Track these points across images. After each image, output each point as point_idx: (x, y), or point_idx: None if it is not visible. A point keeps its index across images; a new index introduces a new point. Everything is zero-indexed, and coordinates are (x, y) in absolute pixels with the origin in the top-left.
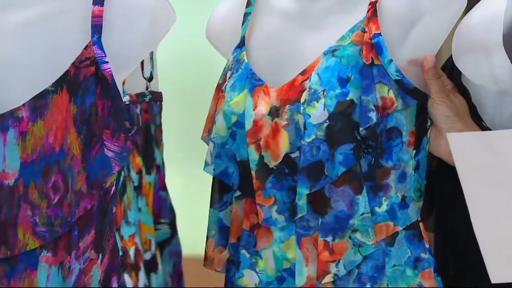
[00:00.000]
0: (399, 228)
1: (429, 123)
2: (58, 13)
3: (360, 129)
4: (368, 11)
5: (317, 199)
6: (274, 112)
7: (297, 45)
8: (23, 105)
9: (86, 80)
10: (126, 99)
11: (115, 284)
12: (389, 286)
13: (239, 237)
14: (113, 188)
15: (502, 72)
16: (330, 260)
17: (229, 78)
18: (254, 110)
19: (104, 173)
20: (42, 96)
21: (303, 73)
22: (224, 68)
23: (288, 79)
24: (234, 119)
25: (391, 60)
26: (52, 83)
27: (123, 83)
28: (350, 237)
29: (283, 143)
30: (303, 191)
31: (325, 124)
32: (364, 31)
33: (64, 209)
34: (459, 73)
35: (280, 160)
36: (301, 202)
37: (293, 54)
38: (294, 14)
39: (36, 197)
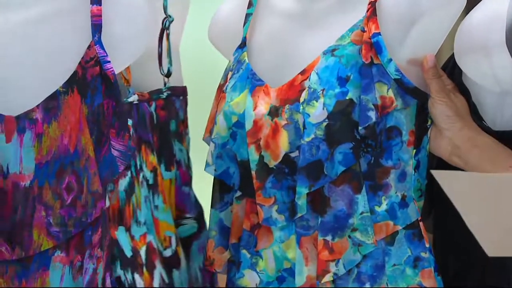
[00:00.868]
0: (399, 228)
1: (429, 123)
2: (58, 13)
3: (360, 128)
4: (367, 11)
5: (317, 198)
6: (273, 112)
7: (298, 45)
8: (37, 106)
9: (93, 80)
10: (134, 98)
11: (108, 280)
12: (389, 286)
13: (240, 237)
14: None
15: (504, 72)
16: (330, 259)
17: (230, 78)
18: (254, 110)
19: (112, 172)
20: (54, 97)
21: (302, 72)
22: (226, 68)
23: (288, 79)
24: (234, 119)
25: (391, 59)
26: (63, 84)
27: (128, 82)
28: (349, 237)
29: (283, 142)
30: (302, 191)
31: (325, 124)
32: (363, 31)
33: (77, 210)
34: (460, 72)
35: (280, 159)
36: (301, 201)
37: (294, 54)
38: (294, 14)
39: (50, 198)
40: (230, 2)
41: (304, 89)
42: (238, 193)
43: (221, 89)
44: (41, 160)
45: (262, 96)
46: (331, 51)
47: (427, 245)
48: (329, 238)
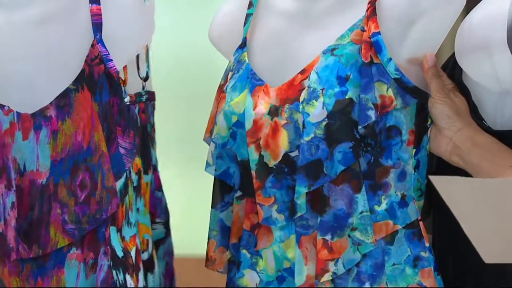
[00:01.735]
0: (399, 227)
1: (429, 122)
2: (59, 12)
3: (359, 127)
4: (367, 10)
5: (316, 197)
6: (273, 112)
7: (298, 45)
8: (51, 103)
9: (100, 78)
10: (127, 99)
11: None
12: (389, 285)
13: (240, 237)
14: None
15: (504, 72)
16: (329, 258)
17: (230, 78)
18: (254, 110)
19: (119, 169)
20: (65, 95)
21: (302, 72)
22: (226, 69)
23: (288, 78)
24: (234, 119)
25: (390, 59)
26: (73, 82)
27: (125, 83)
28: (349, 236)
29: (283, 142)
30: (301, 190)
31: (324, 123)
32: (363, 30)
33: (91, 207)
34: (460, 72)
35: (279, 159)
36: (300, 200)
37: (294, 54)
38: (294, 14)
39: (65, 195)
40: (230, 3)
41: (304, 88)
42: (239, 193)
43: (221, 89)
44: (56, 157)
45: (262, 95)
46: (330, 50)
47: (427, 245)
48: (328, 237)
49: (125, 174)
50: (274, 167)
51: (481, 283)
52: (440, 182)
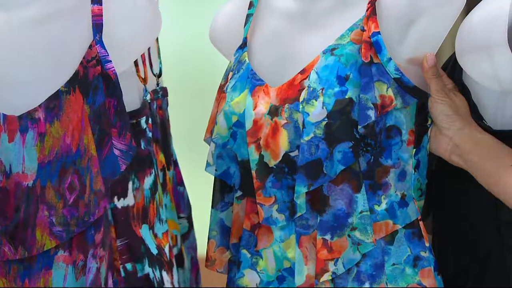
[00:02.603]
0: (399, 227)
1: (429, 122)
2: (59, 13)
3: (359, 127)
4: (367, 10)
5: (316, 197)
6: (273, 111)
7: (298, 44)
8: (39, 106)
9: (95, 79)
10: (148, 96)
11: (110, 280)
12: (388, 285)
13: (241, 237)
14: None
15: (505, 72)
16: (329, 258)
17: (230, 78)
18: (254, 109)
19: (114, 171)
20: (56, 97)
21: (302, 72)
22: (226, 69)
23: (288, 78)
24: (234, 119)
25: (390, 59)
26: (65, 84)
27: (145, 81)
28: (349, 236)
29: (283, 142)
30: (301, 189)
31: (324, 123)
32: (363, 30)
33: (80, 209)
34: (460, 71)
35: (279, 159)
36: (300, 200)
37: (294, 53)
38: (295, 14)
39: (53, 197)
40: (231, 3)
41: (304, 88)
42: (239, 193)
43: (221, 89)
44: (44, 160)
45: (262, 95)
46: (330, 50)
47: (427, 244)
48: (328, 237)
49: (153, 172)
50: (274, 167)
51: (481, 283)
52: None
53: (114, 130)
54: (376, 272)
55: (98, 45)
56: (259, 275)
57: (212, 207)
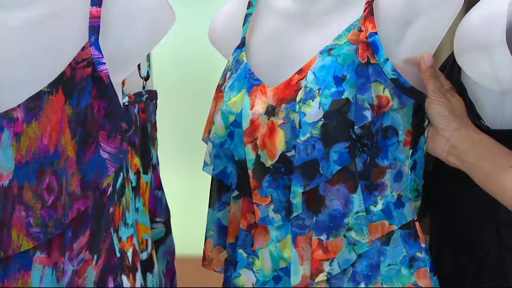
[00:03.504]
0: (395, 227)
1: (426, 123)
2: (55, 14)
3: (355, 127)
4: (364, 10)
5: (312, 197)
6: (270, 111)
7: (296, 45)
8: (18, 106)
9: (83, 81)
10: (125, 100)
11: (111, 285)
12: (384, 285)
13: (237, 236)
14: (110, 188)
15: (504, 72)
16: (324, 258)
17: (228, 78)
18: (251, 109)
19: (99, 174)
20: (37, 97)
21: (299, 72)
22: (224, 68)
23: (286, 78)
24: (232, 118)
25: (387, 59)
26: (48, 84)
27: (123, 84)
28: (344, 236)
29: (279, 142)
30: (297, 190)
31: (320, 123)
32: (360, 30)
33: (58, 211)
34: (459, 71)
35: (276, 159)
36: (296, 200)
37: (292, 53)
38: (293, 14)
39: (30, 198)
40: (230, 3)
41: (301, 88)
42: (236, 193)
43: (219, 89)
44: (21, 160)
45: (259, 95)
46: (328, 50)
47: (423, 245)
48: (323, 237)
49: (121, 175)
50: (271, 166)
51: (479, 283)
52: None
53: (102, 132)
54: (371, 272)
55: (93, 47)
56: (255, 275)
57: (210, 206)
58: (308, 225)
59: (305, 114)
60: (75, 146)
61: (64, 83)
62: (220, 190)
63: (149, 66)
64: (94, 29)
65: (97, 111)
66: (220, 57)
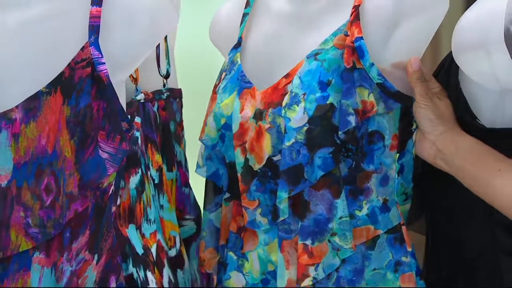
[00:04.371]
0: (380, 232)
1: (414, 126)
2: (55, 14)
3: (339, 133)
4: (351, 15)
5: (298, 202)
6: (258, 115)
7: (289, 47)
8: (16, 106)
9: (81, 81)
10: (140, 97)
11: (113, 284)
12: None
13: (228, 239)
14: (112, 188)
15: (503, 71)
16: (309, 263)
17: (222, 79)
18: (241, 112)
19: (99, 174)
20: (35, 98)
21: (286, 76)
22: (221, 69)
23: (274, 82)
24: (223, 121)
25: (373, 64)
26: (46, 85)
27: (137, 81)
28: (329, 241)
29: (266, 146)
30: (282, 195)
31: (305, 128)
32: (346, 35)
33: (56, 211)
34: (457, 70)
35: (263, 163)
36: (282, 205)
37: (282, 57)
38: (287, 16)
39: (29, 198)
40: (230, 2)
41: (287, 93)
42: (227, 195)
43: (215, 90)
44: (19, 160)
45: (249, 98)
46: (314, 55)
47: (409, 249)
48: (308, 242)
49: (140, 172)
50: (259, 170)
51: (474, 283)
52: None
53: (101, 132)
54: (355, 277)
55: (92, 46)
56: (244, 277)
57: (204, 208)
58: (294, 229)
59: (290, 119)
60: (73, 147)
61: (63, 83)
62: (213, 192)
63: (168, 64)
64: (94, 28)
65: (96, 111)
66: (220, 57)
